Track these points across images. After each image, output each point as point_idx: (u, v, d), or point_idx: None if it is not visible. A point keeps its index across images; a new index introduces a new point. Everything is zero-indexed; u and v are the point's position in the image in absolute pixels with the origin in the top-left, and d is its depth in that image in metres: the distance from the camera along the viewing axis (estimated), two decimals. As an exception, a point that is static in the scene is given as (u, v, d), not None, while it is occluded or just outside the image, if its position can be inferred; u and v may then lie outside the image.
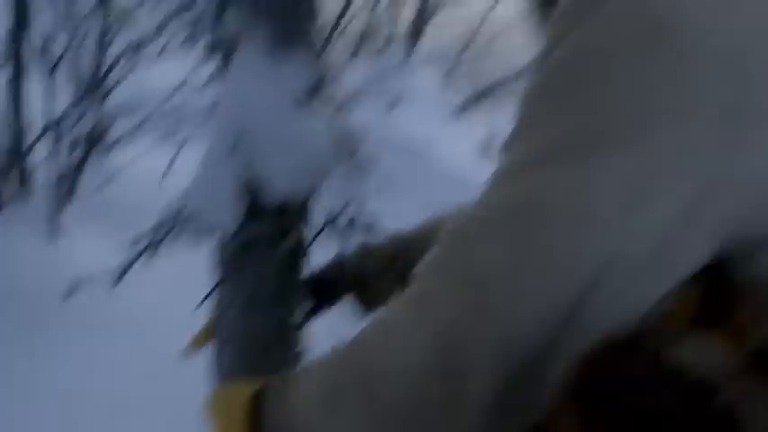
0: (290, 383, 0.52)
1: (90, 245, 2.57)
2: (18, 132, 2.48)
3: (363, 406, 0.44)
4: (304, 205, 0.94)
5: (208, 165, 0.99)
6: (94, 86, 2.68)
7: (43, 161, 2.62)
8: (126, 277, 2.72)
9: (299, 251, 1.02)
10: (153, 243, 2.89)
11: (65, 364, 2.09)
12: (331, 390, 0.47)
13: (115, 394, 2.04)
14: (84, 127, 2.52)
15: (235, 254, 1.03)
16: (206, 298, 1.10)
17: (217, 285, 1.12)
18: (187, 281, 1.84)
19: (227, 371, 1.20)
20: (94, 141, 2.62)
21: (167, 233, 2.90)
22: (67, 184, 2.73)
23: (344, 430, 0.45)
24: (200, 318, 1.36)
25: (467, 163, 3.80)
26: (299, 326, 1.05)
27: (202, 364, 1.31)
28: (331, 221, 0.96)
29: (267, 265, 1.01)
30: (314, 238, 0.99)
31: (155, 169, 2.88)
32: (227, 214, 0.98)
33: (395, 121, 3.79)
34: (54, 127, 2.49)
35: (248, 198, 0.94)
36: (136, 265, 2.76)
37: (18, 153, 2.53)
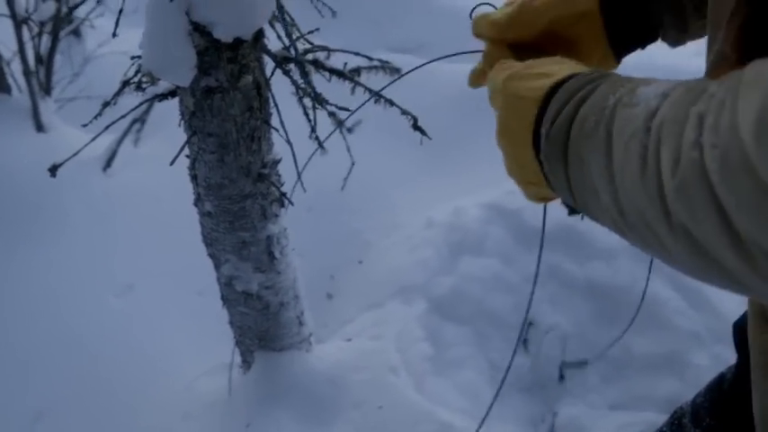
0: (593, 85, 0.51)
1: (74, 134, 2.56)
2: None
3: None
4: (257, 40, 0.94)
5: (154, 17, 0.97)
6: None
7: (15, 53, 2.56)
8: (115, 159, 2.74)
9: (259, 91, 1.03)
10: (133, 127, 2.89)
11: (64, 245, 2.14)
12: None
13: (120, 271, 2.12)
14: (48, 13, 2.44)
15: (197, 103, 1.04)
16: (180, 152, 1.12)
17: (190, 137, 1.14)
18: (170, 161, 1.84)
19: (209, 219, 1.25)
20: (60, 25, 2.55)
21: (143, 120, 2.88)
22: (43, 74, 2.68)
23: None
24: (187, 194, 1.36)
25: None
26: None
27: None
28: (287, 58, 0.95)
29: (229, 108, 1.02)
30: (271, 75, 0.99)
31: (127, 53, 2.78)
32: (182, 65, 0.97)
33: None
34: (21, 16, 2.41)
35: (200, 41, 0.93)
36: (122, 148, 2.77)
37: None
